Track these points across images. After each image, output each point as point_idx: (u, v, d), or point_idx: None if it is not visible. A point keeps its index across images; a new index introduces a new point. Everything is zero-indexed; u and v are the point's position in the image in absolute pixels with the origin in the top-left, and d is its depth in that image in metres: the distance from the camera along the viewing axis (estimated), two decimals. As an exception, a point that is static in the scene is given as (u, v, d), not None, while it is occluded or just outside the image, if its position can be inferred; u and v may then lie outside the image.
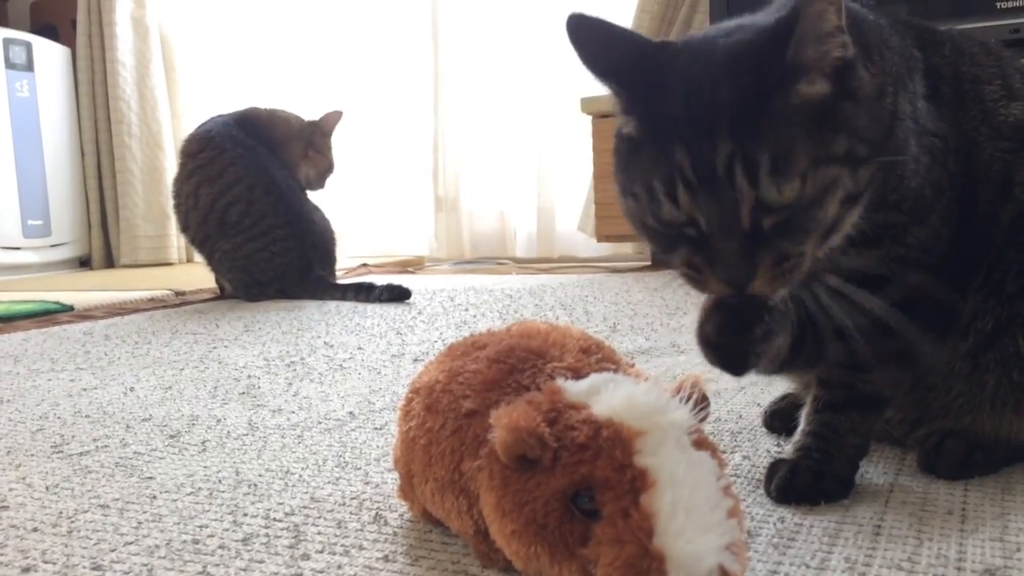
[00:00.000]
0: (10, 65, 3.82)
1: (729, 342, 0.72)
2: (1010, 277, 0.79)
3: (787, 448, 0.83)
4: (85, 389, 1.39)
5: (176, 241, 4.10)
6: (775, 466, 0.80)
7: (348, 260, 3.55)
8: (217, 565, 0.69)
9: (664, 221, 0.66)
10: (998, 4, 2.31)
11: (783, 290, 0.68)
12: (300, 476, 0.90)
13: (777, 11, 0.70)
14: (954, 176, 0.78)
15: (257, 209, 2.53)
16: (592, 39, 0.69)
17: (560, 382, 0.63)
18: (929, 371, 0.82)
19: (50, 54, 4.04)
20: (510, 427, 0.57)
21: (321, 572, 0.66)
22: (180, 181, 2.64)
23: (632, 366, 0.71)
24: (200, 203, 2.57)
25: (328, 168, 2.78)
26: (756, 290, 0.65)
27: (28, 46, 3.92)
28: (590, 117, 3.02)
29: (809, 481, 0.78)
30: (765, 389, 1.16)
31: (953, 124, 0.79)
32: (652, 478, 0.55)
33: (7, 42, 3.83)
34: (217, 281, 2.71)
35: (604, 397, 0.60)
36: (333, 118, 2.76)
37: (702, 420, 0.61)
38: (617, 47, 0.69)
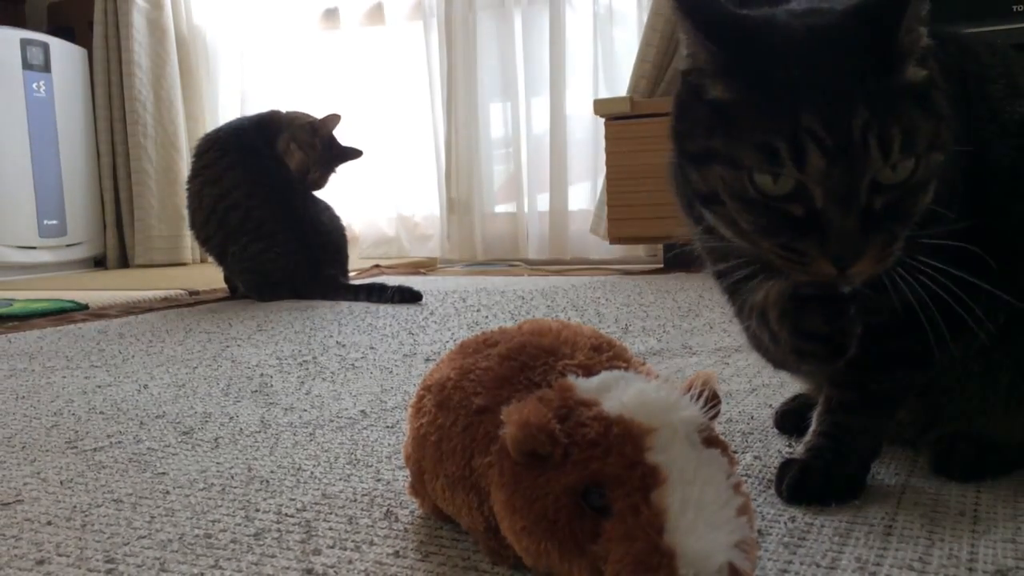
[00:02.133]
0: (27, 66, 3.85)
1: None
2: (1021, 270, 0.78)
3: (798, 448, 0.83)
4: (99, 386, 1.40)
5: (190, 242, 4.11)
6: (786, 466, 0.80)
7: (360, 261, 3.56)
8: (229, 559, 0.69)
9: (766, 192, 0.63)
10: (1014, 7, 2.31)
11: (881, 268, 0.66)
12: (312, 473, 0.91)
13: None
14: (966, 174, 0.78)
15: (256, 215, 2.54)
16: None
17: (571, 379, 0.63)
18: (943, 373, 0.82)
19: (67, 55, 4.07)
20: (521, 423, 0.57)
21: (332, 567, 0.67)
22: (189, 180, 2.69)
23: (643, 364, 0.71)
24: (204, 203, 2.60)
25: (301, 164, 2.67)
26: (858, 271, 0.63)
27: (45, 47, 3.95)
28: (603, 119, 3.03)
29: (820, 481, 0.77)
30: (777, 391, 1.16)
31: (962, 122, 0.79)
32: (662, 475, 0.55)
33: (25, 43, 3.85)
34: (227, 280, 2.73)
35: (615, 394, 0.60)
36: (330, 121, 2.73)
37: (713, 418, 0.61)
38: (713, 6, 0.67)
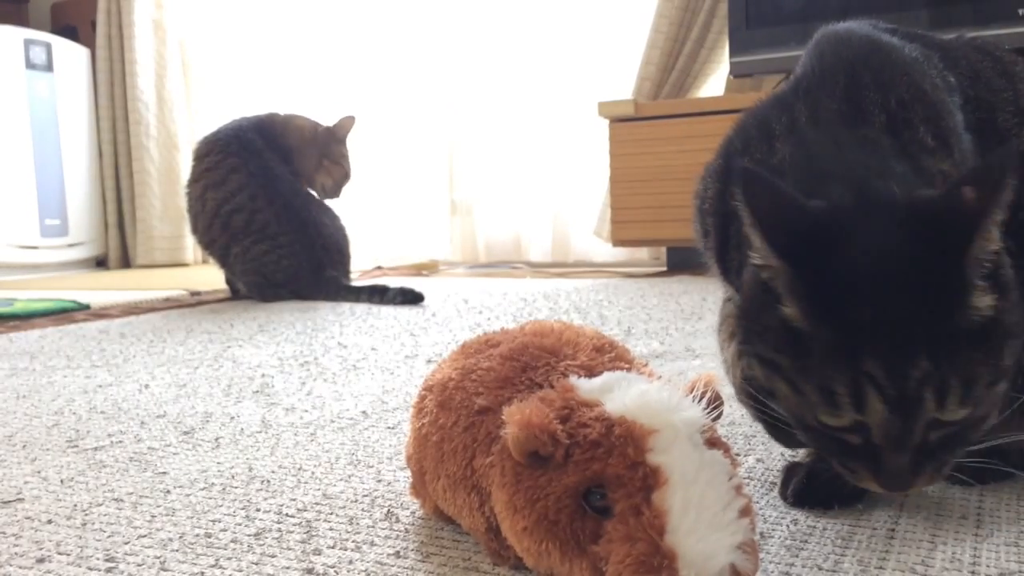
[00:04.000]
0: (30, 65, 3.86)
1: None
2: None
3: (801, 452, 0.82)
4: (100, 386, 1.40)
5: (192, 242, 4.11)
6: (791, 470, 0.80)
7: (363, 263, 3.56)
8: (229, 559, 0.69)
9: (828, 425, 0.63)
10: (1020, 11, 2.30)
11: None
12: (312, 473, 0.90)
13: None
14: None
15: (260, 218, 2.55)
16: (763, 200, 0.62)
17: (573, 380, 0.63)
18: None
19: (70, 55, 4.08)
20: (523, 424, 0.57)
21: (332, 567, 0.66)
22: (189, 184, 2.68)
23: (645, 365, 0.71)
24: (207, 207, 2.60)
25: (344, 177, 2.77)
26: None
27: (48, 47, 3.96)
28: (607, 121, 3.02)
29: (825, 485, 0.77)
30: (779, 393, 1.15)
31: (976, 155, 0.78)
32: (664, 476, 0.54)
33: (28, 42, 3.86)
34: (228, 282, 2.73)
35: (617, 395, 0.60)
36: (347, 124, 2.75)
37: (715, 420, 0.60)
38: (786, 213, 0.62)
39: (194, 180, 2.66)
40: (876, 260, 0.61)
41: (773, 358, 0.64)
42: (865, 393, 0.60)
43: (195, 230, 2.69)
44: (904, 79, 0.75)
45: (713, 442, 0.59)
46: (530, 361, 0.68)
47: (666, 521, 0.53)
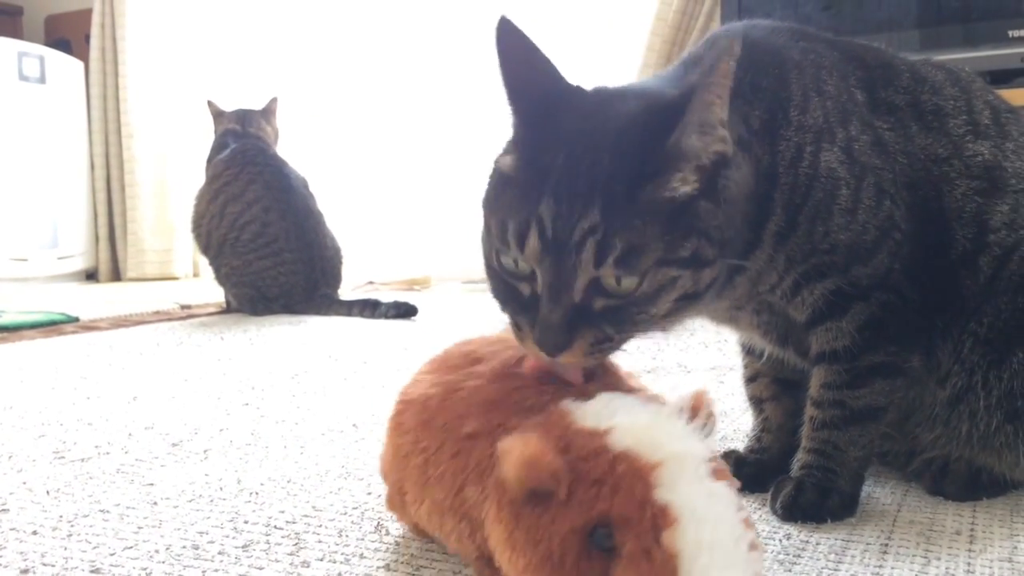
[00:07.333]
0: (23, 78, 3.85)
1: None
2: (975, 346, 0.80)
3: (792, 466, 0.82)
4: (88, 398, 1.39)
5: (183, 255, 4.10)
6: (780, 484, 0.80)
7: (355, 277, 3.55)
8: (216, 571, 0.68)
9: (505, 267, 0.65)
10: (1010, 33, 2.32)
11: (592, 362, 0.65)
12: (302, 485, 0.90)
13: (679, 82, 0.72)
14: (912, 208, 0.78)
15: (270, 232, 2.55)
16: (516, 56, 0.68)
17: (567, 404, 0.60)
18: (929, 407, 0.82)
19: (63, 67, 4.07)
20: (524, 462, 0.54)
21: (321, 580, 0.66)
22: (206, 203, 2.64)
23: (637, 380, 0.70)
24: (224, 222, 2.59)
25: None
26: (565, 360, 0.63)
27: (42, 59, 3.95)
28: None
29: (815, 498, 0.77)
30: (771, 409, 1.15)
31: (914, 155, 0.79)
32: (673, 515, 0.52)
33: (21, 55, 3.85)
34: (225, 295, 2.72)
35: (616, 423, 0.57)
36: (272, 105, 2.93)
37: (707, 436, 0.59)
38: (535, 76, 0.68)
39: (212, 198, 2.63)
40: (590, 121, 0.65)
41: (485, 210, 0.69)
42: (529, 231, 0.62)
43: (207, 248, 2.66)
44: (770, 74, 0.77)
45: (718, 473, 0.56)
46: (519, 382, 0.65)
47: (678, 564, 0.51)
